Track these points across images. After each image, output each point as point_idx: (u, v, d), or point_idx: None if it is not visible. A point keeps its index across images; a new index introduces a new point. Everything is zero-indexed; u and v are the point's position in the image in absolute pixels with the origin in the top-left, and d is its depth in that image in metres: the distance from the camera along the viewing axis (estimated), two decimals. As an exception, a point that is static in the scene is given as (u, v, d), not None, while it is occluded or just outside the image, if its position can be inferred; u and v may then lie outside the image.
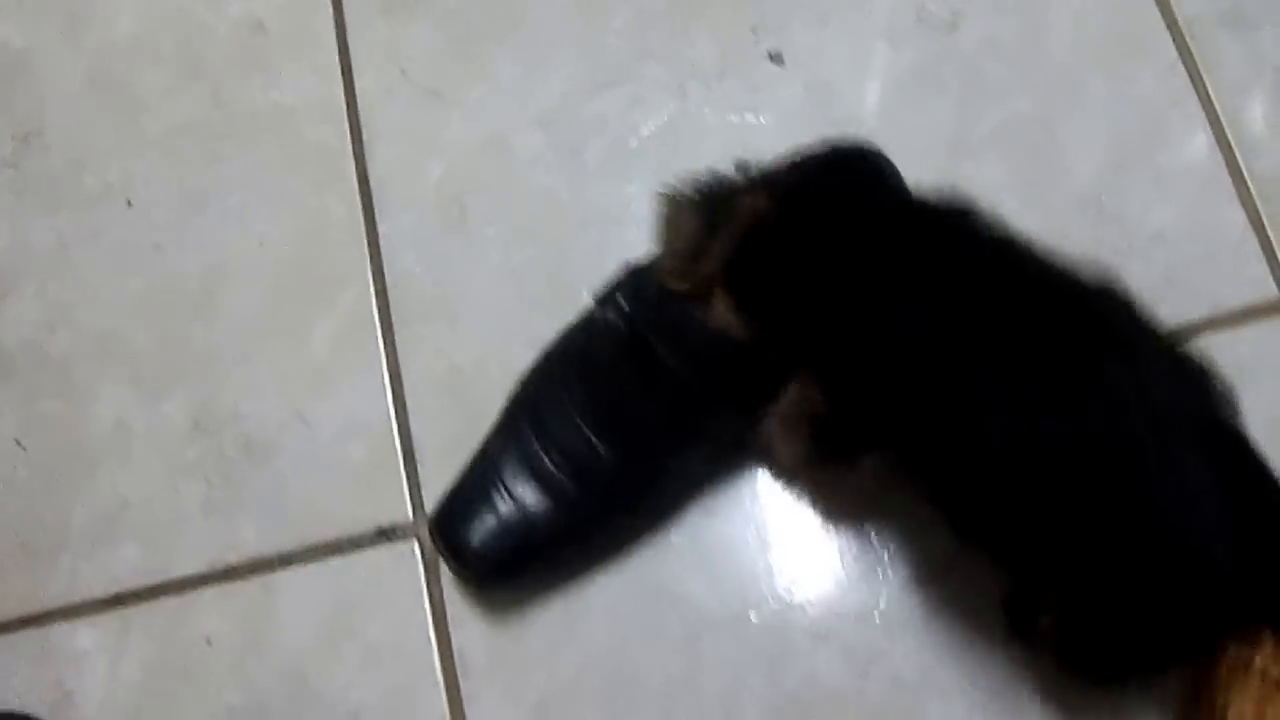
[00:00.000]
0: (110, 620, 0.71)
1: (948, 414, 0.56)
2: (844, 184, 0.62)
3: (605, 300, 0.69)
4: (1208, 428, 0.57)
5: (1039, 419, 0.55)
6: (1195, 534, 0.56)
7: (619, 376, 0.67)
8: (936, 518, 0.68)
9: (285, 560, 0.71)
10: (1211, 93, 0.77)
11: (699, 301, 0.62)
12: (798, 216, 0.59)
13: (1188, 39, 0.79)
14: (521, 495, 0.66)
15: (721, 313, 0.61)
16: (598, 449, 0.66)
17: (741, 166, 0.63)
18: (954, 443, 0.57)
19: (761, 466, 0.71)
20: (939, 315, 0.56)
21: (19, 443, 0.75)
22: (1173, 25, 0.79)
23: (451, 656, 0.69)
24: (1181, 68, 0.78)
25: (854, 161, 0.67)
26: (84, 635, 0.71)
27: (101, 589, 0.72)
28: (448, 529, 0.67)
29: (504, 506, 0.66)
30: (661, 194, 0.62)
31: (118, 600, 0.71)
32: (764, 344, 0.61)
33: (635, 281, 0.68)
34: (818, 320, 0.58)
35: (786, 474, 0.71)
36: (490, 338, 0.75)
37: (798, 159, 0.65)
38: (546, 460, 0.67)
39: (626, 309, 0.67)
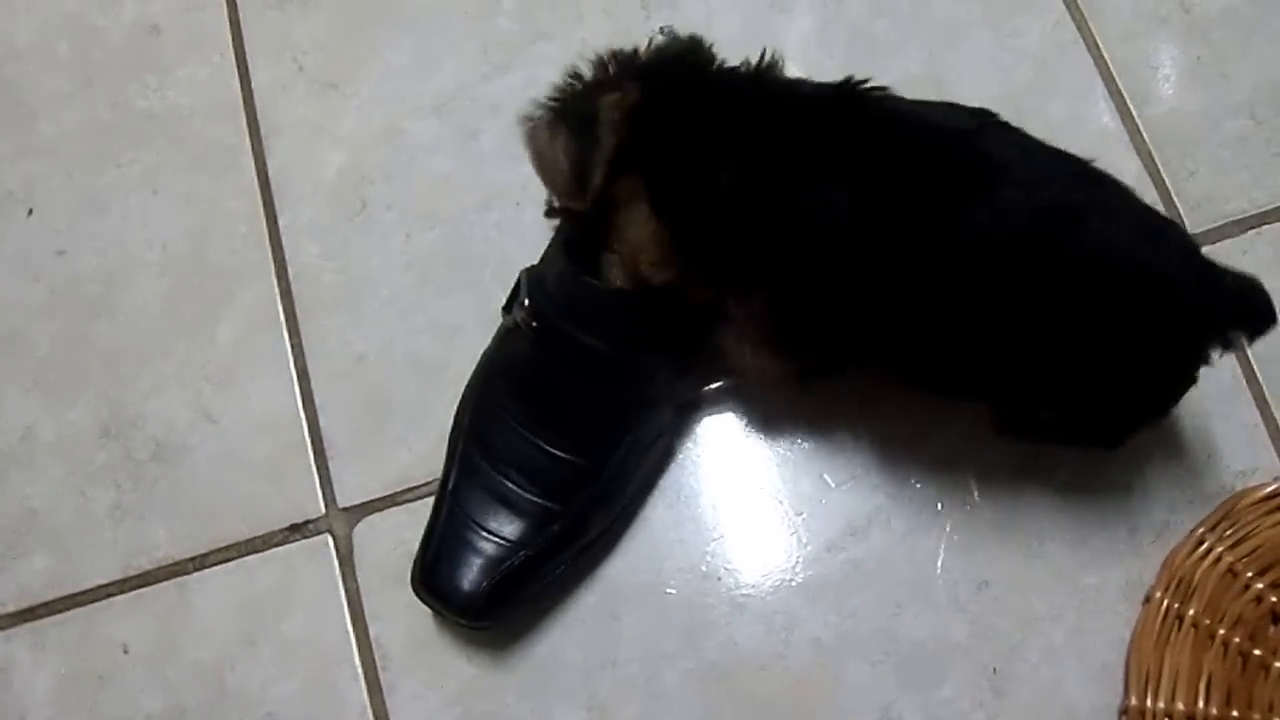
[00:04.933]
0: (23, 634, 0.70)
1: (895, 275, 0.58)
2: (692, 63, 0.61)
3: (510, 307, 0.68)
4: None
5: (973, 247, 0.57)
6: (1158, 270, 0.57)
7: (547, 374, 0.65)
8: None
9: (199, 562, 0.71)
10: (1100, 41, 0.78)
11: (602, 219, 0.61)
12: (669, 93, 0.59)
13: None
14: (496, 527, 0.64)
15: (634, 223, 0.60)
16: (554, 454, 0.65)
17: (577, 73, 0.61)
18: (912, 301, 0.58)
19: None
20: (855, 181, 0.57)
21: (-78, 456, 0.73)
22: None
23: (370, 648, 0.68)
24: (1069, 18, 0.78)
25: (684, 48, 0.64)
26: (-3, 650, 0.70)
27: (13, 602, 0.71)
28: (432, 581, 0.65)
29: (482, 543, 0.64)
30: (525, 125, 0.61)
31: (30, 613, 0.70)
32: (685, 265, 0.61)
33: (532, 279, 0.66)
34: (735, 200, 0.58)
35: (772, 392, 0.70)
36: (395, 326, 0.74)
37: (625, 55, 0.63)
38: (508, 484, 0.65)
39: (532, 306, 0.65)
